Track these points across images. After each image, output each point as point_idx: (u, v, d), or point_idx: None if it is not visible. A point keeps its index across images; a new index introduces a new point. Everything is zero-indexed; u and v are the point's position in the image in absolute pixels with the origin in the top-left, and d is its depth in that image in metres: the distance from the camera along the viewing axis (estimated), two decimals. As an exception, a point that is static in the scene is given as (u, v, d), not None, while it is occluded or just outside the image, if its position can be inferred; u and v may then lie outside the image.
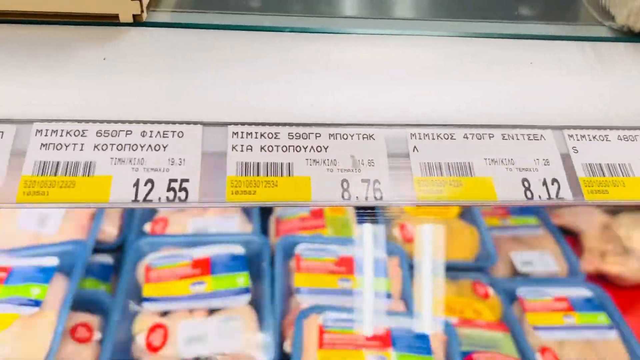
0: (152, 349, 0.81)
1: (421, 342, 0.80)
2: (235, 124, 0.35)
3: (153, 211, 1.09)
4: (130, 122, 0.35)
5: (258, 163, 0.35)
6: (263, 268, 0.95)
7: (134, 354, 0.83)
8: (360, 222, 1.11)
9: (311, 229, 1.06)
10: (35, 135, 0.34)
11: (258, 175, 0.34)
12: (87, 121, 0.35)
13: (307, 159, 0.34)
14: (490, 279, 1.13)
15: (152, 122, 0.35)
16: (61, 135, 0.34)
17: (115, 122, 0.35)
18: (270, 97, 0.37)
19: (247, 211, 1.11)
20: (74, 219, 0.97)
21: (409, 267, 1.02)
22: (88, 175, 0.33)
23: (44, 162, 0.34)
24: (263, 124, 0.36)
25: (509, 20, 0.50)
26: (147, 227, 1.05)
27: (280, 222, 1.08)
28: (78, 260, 0.80)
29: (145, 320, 0.85)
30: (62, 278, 0.79)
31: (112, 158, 0.34)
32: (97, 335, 0.83)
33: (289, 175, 0.34)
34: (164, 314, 0.88)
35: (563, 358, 1.01)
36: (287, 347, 0.85)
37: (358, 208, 1.15)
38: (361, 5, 0.50)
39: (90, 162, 0.34)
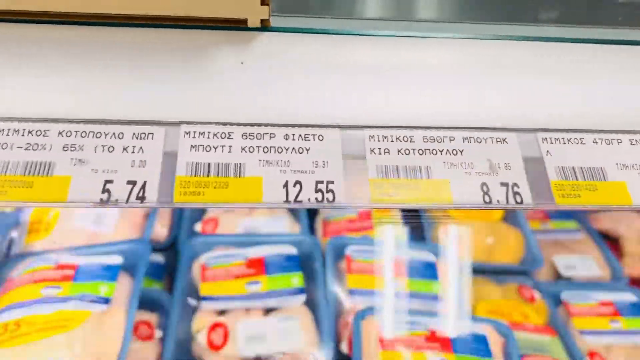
0: (214, 347, 0.82)
1: (480, 345, 0.80)
2: (371, 127, 0.36)
3: (202, 211, 1.10)
4: (273, 125, 0.36)
5: (397, 166, 0.36)
6: (315, 269, 0.96)
7: (195, 352, 0.84)
8: (406, 224, 1.12)
9: (359, 231, 1.07)
10: (184, 136, 0.35)
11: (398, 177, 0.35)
12: (231, 124, 0.36)
13: (444, 162, 0.35)
14: (535, 282, 1.13)
15: (294, 126, 0.36)
16: (208, 137, 0.35)
17: (259, 125, 0.36)
18: (402, 101, 0.38)
19: (294, 212, 1.12)
20: (129, 218, 0.99)
21: (457, 270, 1.02)
22: (239, 177, 0.34)
23: (196, 163, 0.35)
24: (397, 127, 0.37)
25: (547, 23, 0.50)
26: (198, 227, 1.07)
27: (327, 224, 1.09)
28: (141, 259, 0.81)
29: (203, 318, 0.87)
30: (125, 276, 0.80)
31: (259, 160, 0.35)
32: (158, 334, 0.84)
33: (428, 178, 0.35)
34: (221, 313, 0.89)
35: (611, 362, 1.00)
36: (344, 347, 0.86)
37: (403, 210, 1.16)
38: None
39: (240, 164, 0.34)
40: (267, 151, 0.35)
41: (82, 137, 0.36)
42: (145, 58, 0.40)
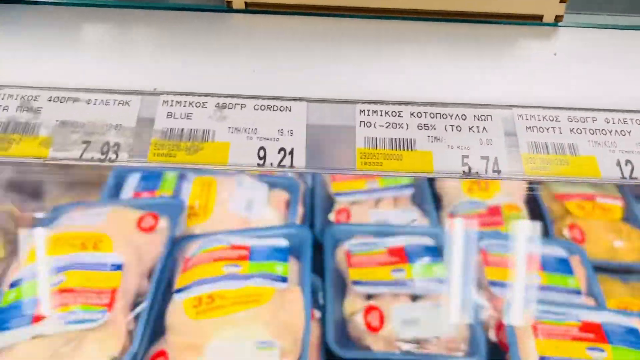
0: (372, 329, 0.87)
1: (635, 337, 0.82)
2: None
3: (331, 202, 1.16)
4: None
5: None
6: (453, 260, 1.00)
7: (352, 334, 0.89)
8: (532, 220, 1.14)
9: (489, 225, 1.10)
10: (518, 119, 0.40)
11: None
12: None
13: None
14: (661, 281, 1.13)
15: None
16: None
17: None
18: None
19: (419, 205, 1.16)
20: (275, 205, 1.05)
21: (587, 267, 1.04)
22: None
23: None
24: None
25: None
26: (332, 216, 1.12)
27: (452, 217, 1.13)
28: (304, 243, 0.87)
29: (355, 302, 0.92)
30: (292, 258, 0.86)
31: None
32: (317, 314, 0.90)
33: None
34: (368, 297, 0.94)
35: None
36: (492, 336, 0.89)
37: (528, 208, 1.18)
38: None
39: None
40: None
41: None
42: (453, 48, 0.45)
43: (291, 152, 0.37)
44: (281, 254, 0.84)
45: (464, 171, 0.38)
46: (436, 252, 1.00)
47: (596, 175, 0.37)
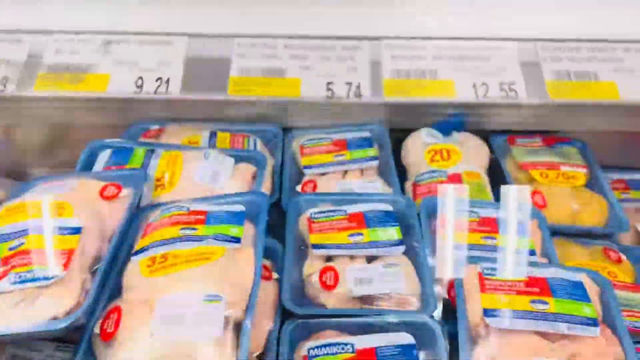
0: (327, 287, 0.91)
1: (578, 290, 0.85)
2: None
3: (299, 175, 1.19)
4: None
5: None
6: (412, 225, 1.03)
7: (308, 293, 0.93)
8: (494, 187, 1.17)
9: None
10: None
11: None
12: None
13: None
14: (620, 246, 1.16)
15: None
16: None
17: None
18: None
19: (385, 177, 1.19)
20: (240, 177, 1.09)
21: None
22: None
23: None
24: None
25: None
26: (298, 188, 1.15)
27: (417, 186, 1.16)
28: (261, 208, 0.91)
29: (314, 264, 0.95)
30: (248, 223, 0.90)
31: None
32: (274, 275, 0.93)
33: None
34: (328, 260, 0.97)
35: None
36: (444, 293, 0.93)
37: (491, 176, 1.21)
38: None
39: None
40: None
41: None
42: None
43: (167, 81, 0.39)
44: (237, 218, 0.88)
45: (327, 96, 0.40)
46: (394, 217, 1.03)
47: (452, 96, 0.39)
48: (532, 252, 1.00)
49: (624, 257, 1.14)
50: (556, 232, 1.13)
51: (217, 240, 0.83)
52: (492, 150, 1.27)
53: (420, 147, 1.22)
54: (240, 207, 0.91)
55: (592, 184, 1.25)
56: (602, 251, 1.15)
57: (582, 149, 1.32)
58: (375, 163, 1.20)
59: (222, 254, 0.80)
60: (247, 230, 0.88)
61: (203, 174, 1.06)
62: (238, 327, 0.75)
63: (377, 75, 0.40)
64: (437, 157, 1.19)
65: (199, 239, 0.83)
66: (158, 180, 1.05)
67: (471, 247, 1.00)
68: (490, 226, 1.04)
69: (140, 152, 1.10)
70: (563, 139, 1.34)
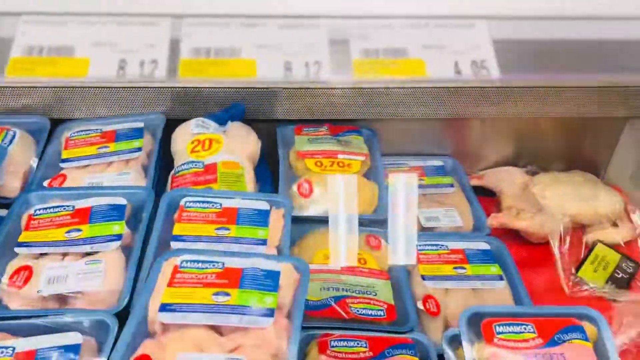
0: (16, 287, 0.85)
1: (269, 280, 0.82)
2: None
3: (57, 169, 1.13)
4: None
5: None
6: (143, 218, 0.99)
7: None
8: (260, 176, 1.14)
9: (203, 184, 1.09)
10: None
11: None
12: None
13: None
14: (386, 231, 1.15)
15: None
16: None
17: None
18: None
19: (145, 169, 1.14)
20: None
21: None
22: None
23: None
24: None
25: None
26: (46, 183, 1.09)
27: (175, 178, 1.11)
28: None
29: (14, 264, 0.90)
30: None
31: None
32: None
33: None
34: (39, 257, 0.92)
35: (446, 304, 1.03)
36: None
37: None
38: None
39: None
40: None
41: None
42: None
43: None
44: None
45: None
46: (123, 211, 0.98)
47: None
48: (263, 242, 0.97)
49: (384, 243, 1.13)
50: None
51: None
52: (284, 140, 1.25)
53: (186, 137, 1.18)
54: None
55: (370, 173, 1.24)
56: (365, 237, 1.13)
57: (369, 137, 1.31)
58: (138, 154, 1.15)
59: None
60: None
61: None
62: None
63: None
64: (199, 147, 1.15)
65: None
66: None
67: (200, 239, 0.96)
68: (227, 217, 1.00)
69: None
70: (351, 128, 1.32)
